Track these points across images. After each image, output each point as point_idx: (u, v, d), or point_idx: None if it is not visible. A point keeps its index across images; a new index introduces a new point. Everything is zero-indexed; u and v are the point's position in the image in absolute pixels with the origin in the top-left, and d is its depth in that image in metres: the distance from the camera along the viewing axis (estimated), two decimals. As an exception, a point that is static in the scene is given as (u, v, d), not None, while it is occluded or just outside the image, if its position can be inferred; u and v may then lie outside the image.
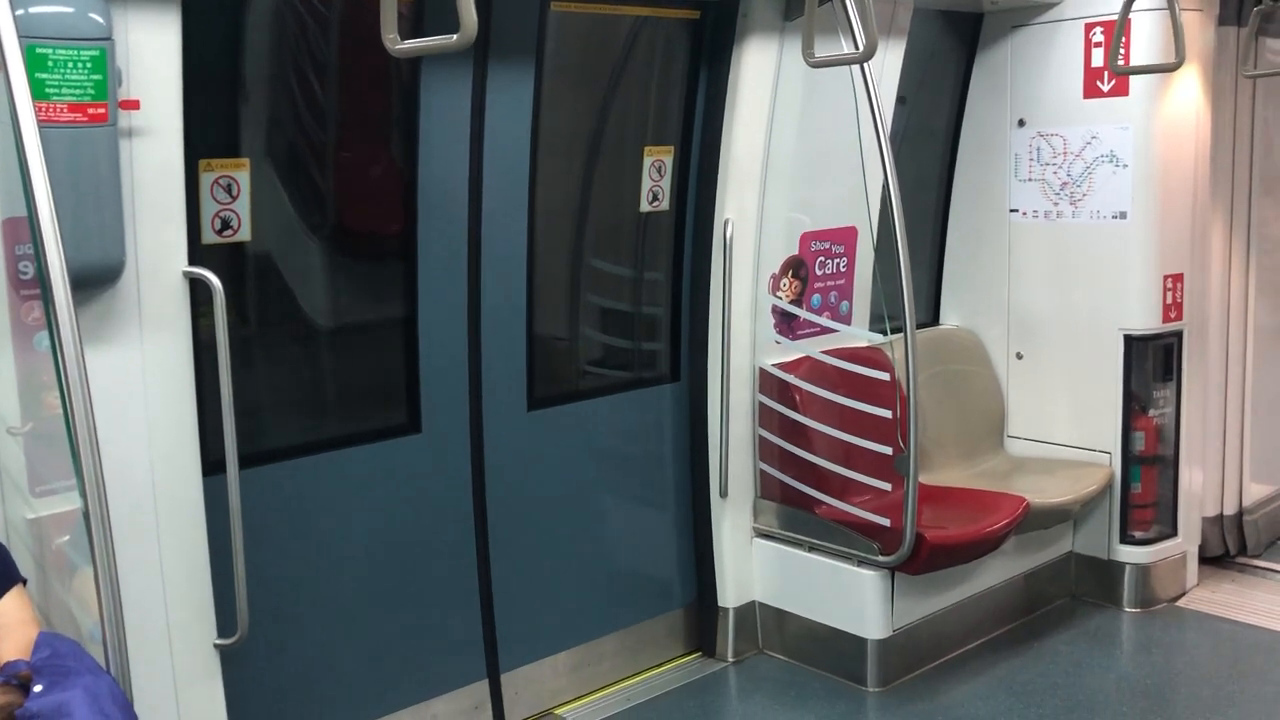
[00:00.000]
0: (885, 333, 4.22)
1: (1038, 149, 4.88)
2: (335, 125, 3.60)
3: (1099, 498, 4.74)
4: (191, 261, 2.90)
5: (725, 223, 4.18)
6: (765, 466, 4.38)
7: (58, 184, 2.16)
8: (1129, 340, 4.71)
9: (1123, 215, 4.66)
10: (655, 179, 4.23)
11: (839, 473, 4.17)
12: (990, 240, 5.07)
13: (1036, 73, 4.85)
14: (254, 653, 3.16)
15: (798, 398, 4.26)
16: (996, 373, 5.14)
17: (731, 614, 4.40)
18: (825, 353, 4.33)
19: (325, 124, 3.58)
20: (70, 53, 2.49)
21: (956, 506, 4.35)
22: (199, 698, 3.00)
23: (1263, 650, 4.47)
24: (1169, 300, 4.71)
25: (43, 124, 2.15)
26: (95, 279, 2.67)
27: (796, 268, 4.33)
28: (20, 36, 2.12)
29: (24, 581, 2.40)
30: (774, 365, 4.31)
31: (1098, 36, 4.62)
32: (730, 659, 4.40)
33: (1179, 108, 4.64)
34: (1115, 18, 4.31)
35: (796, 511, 4.29)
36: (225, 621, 3.03)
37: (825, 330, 4.41)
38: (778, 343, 4.34)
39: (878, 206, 4.23)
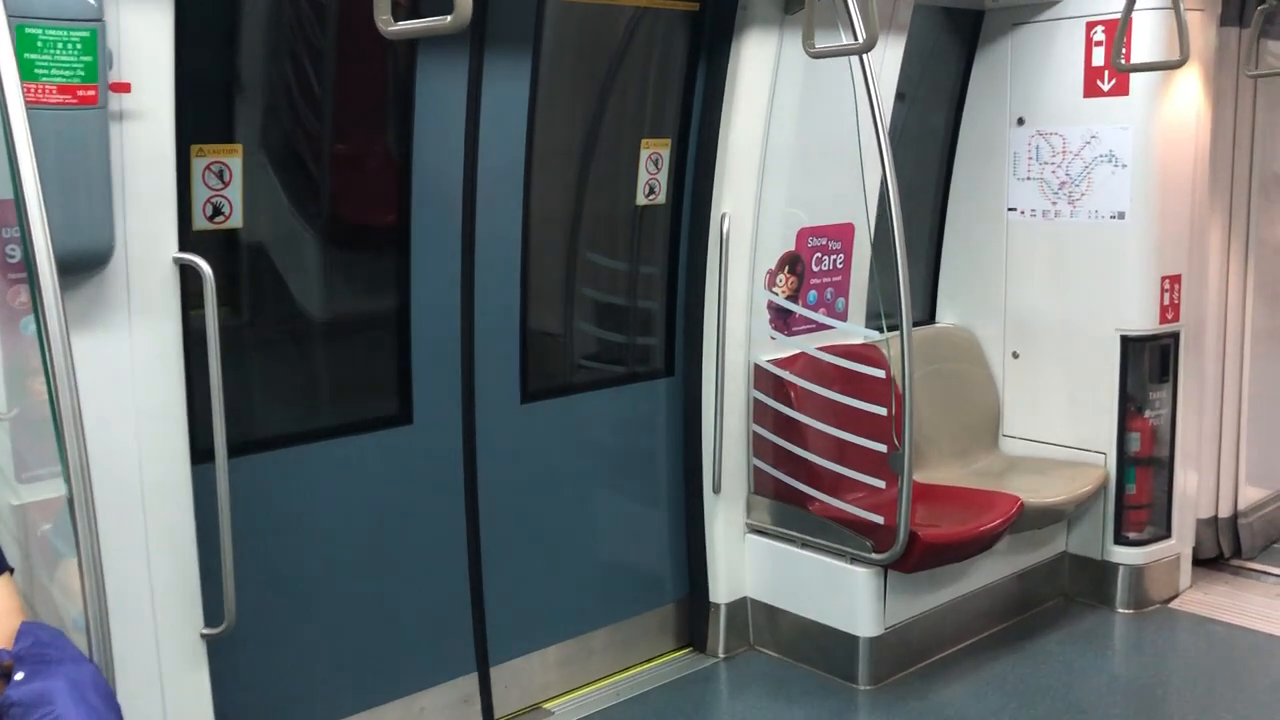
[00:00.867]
0: (881, 330, 4.21)
1: (1036, 148, 4.86)
2: (330, 113, 3.57)
3: (1093, 498, 4.73)
4: (182, 248, 2.87)
5: (722, 217, 4.16)
6: (759, 462, 4.36)
7: (46, 166, 2.14)
8: (1125, 341, 4.70)
9: (1121, 215, 4.65)
10: (652, 172, 4.20)
11: (833, 469, 4.15)
12: (988, 239, 5.06)
13: (1036, 71, 4.83)
14: (241, 643, 3.13)
15: (792, 394, 4.24)
16: (992, 371, 5.13)
17: (723, 610, 4.38)
18: (821, 349, 4.31)
19: (320, 111, 3.55)
20: (60, 33, 2.46)
21: (950, 505, 4.34)
22: (184, 687, 2.97)
23: (1256, 653, 4.46)
24: (1166, 301, 4.70)
25: (31, 105, 2.13)
26: (84, 263, 2.64)
27: (793, 263, 4.31)
28: (9, 16, 2.10)
29: (10, 570, 2.38)
30: (769, 361, 4.29)
31: (1099, 35, 4.60)
32: (721, 655, 4.38)
33: (1179, 108, 4.63)
34: (1117, 16, 4.30)
35: (790, 508, 4.28)
36: (212, 611, 3.00)
37: (821, 327, 4.39)
38: (773, 338, 4.32)
39: (875, 203, 4.21)
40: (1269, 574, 5.18)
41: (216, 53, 3.22)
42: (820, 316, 4.39)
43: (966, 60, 5.04)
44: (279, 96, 3.44)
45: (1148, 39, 4.43)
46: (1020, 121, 4.91)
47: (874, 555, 4.01)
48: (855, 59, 3.78)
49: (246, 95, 3.36)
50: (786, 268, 4.30)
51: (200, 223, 3.14)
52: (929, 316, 5.29)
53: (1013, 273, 5.01)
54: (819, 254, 4.37)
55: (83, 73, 2.51)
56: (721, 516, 4.34)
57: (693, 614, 4.46)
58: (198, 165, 3.11)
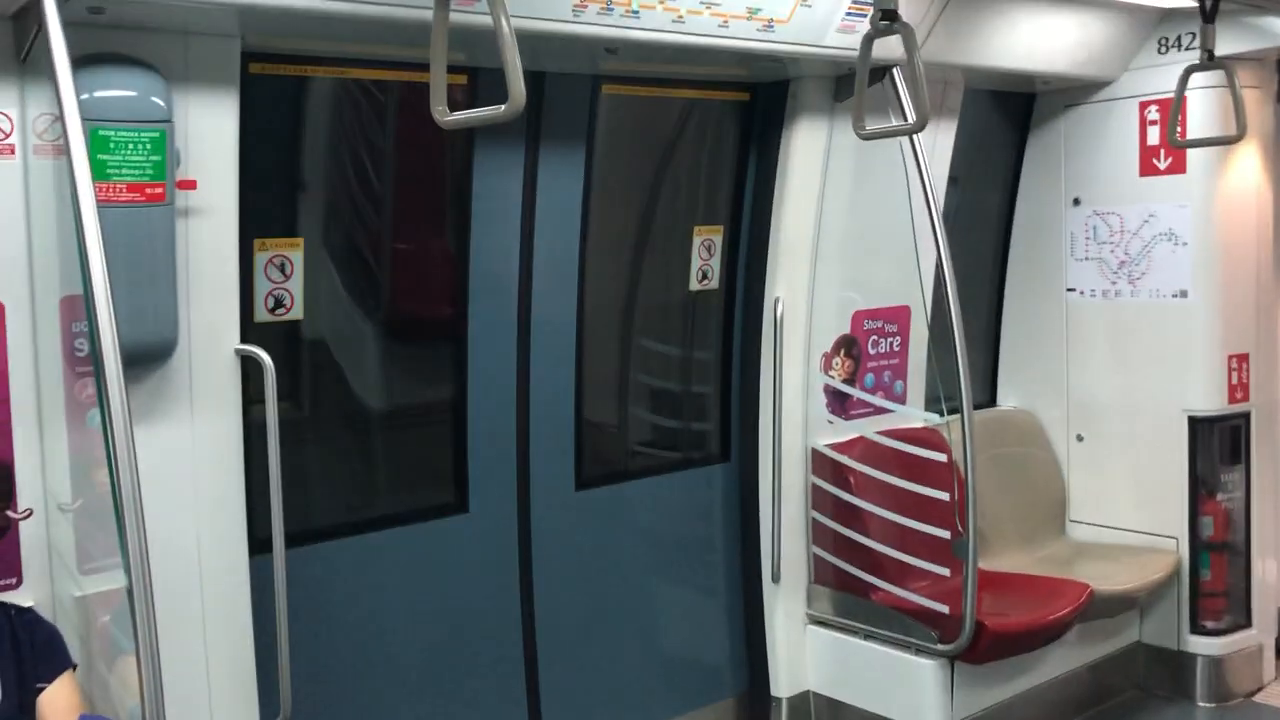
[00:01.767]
0: (942, 413, 4.15)
1: (1094, 227, 4.83)
2: (389, 206, 3.65)
3: (1166, 585, 4.58)
4: (244, 339, 2.92)
5: (775, 301, 4.15)
6: (819, 550, 4.28)
7: (114, 262, 2.18)
8: (1193, 422, 4.59)
9: (1183, 294, 4.58)
10: (705, 258, 4.22)
11: (895, 557, 4.06)
12: (1047, 320, 5.00)
13: (1091, 151, 4.82)
14: (297, 735, 3.10)
15: (852, 479, 4.17)
16: (1056, 455, 5.03)
17: (785, 704, 4.26)
18: (880, 433, 4.25)
19: (379, 205, 3.63)
20: (131, 134, 2.55)
21: (1017, 593, 4.22)
22: (240, 780, 2.95)
23: (1348, 749, 4.26)
24: (1234, 380, 4.60)
25: (101, 204, 2.18)
26: (149, 355, 2.70)
27: (849, 346, 4.28)
28: (84, 119, 2.17)
29: (74, 666, 2.38)
30: (827, 445, 4.24)
31: (1153, 114, 4.59)
32: (783, 751, 4.26)
33: (1238, 185, 4.58)
34: (1170, 96, 4.28)
35: (852, 597, 4.18)
36: (267, 702, 2.98)
37: (880, 410, 4.34)
38: (830, 422, 4.27)
39: (931, 285, 4.19)
40: (1358, 665, 4.95)
41: (279, 149, 3.31)
42: (879, 400, 4.34)
43: (1019, 142, 5.04)
44: (339, 191, 3.53)
45: (1202, 117, 4.41)
46: (1076, 201, 4.88)
47: (940, 646, 3.90)
48: (907, 141, 3.79)
49: (308, 190, 3.44)
50: (842, 351, 4.27)
51: (261, 315, 3.20)
52: (990, 399, 5.21)
53: (1074, 354, 4.94)
54: (875, 337, 4.34)
55: (151, 171, 2.59)
56: (781, 607, 4.25)
57: (754, 708, 4.34)
58: (260, 259, 3.18)
